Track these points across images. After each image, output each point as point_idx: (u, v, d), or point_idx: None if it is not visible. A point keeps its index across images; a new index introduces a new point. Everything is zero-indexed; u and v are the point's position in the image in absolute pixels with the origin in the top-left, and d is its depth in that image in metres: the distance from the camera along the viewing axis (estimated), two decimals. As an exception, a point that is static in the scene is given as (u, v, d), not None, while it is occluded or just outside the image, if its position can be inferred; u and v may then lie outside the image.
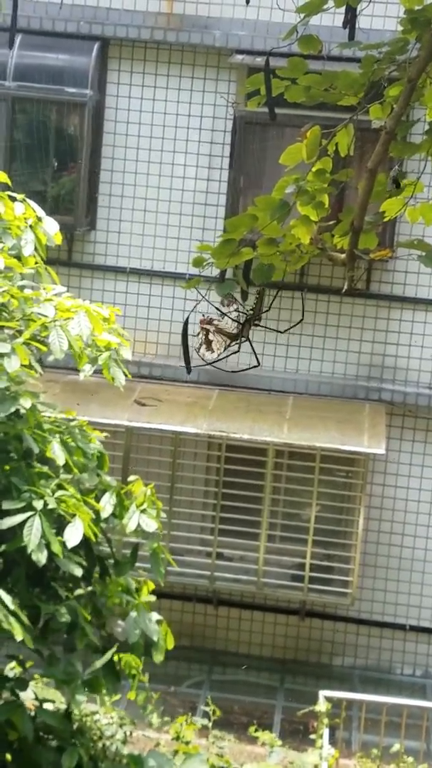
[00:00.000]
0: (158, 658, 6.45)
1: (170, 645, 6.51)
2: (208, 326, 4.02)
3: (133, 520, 6.37)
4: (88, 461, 6.59)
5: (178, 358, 9.12)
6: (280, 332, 4.70)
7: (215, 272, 4.26)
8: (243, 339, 4.01)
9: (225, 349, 4.04)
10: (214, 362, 4.23)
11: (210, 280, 4.20)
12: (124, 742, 7.12)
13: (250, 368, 4.78)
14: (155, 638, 6.30)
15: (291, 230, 4.21)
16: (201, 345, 4.06)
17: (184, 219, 9.69)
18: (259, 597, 9.65)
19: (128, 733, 7.24)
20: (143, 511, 6.43)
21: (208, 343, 4.06)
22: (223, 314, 4.05)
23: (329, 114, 4.71)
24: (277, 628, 9.79)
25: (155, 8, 9.51)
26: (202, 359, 4.15)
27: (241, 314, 4.13)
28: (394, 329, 9.52)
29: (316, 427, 9.02)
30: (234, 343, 4.02)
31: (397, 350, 9.53)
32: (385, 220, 4.42)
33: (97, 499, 6.38)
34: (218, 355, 4.08)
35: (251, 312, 4.05)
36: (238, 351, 4.10)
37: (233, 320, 4.03)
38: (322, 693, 7.39)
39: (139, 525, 6.40)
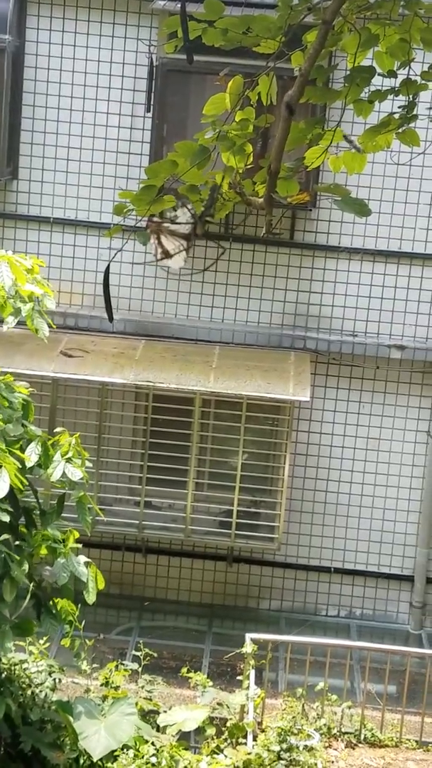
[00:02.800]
0: (90, 598, 6.53)
1: (101, 585, 6.58)
2: (158, 232, 3.91)
3: (58, 469, 6.39)
4: (13, 411, 6.58)
5: (104, 309, 9.09)
6: (199, 271, 4.63)
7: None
8: (197, 237, 3.92)
9: (184, 251, 3.93)
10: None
11: (133, 229, 4.19)
12: (53, 689, 7.20)
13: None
14: (84, 579, 6.37)
15: (212, 177, 4.21)
16: (158, 254, 3.96)
17: (108, 168, 9.60)
18: (187, 544, 9.78)
19: (57, 681, 7.32)
20: (68, 461, 6.44)
21: (165, 252, 3.97)
22: (171, 221, 3.91)
23: (252, 62, 4.70)
24: (205, 574, 9.94)
25: None
26: (165, 268, 4.04)
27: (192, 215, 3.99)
28: (318, 278, 9.61)
29: (242, 375, 9.10)
30: (190, 243, 3.92)
31: (321, 299, 9.63)
32: (308, 169, 4.45)
33: (23, 450, 6.38)
34: (181, 260, 3.96)
35: (203, 209, 3.94)
36: (190, 248, 3.93)
37: (186, 223, 3.89)
38: (249, 635, 7.54)
39: (64, 474, 6.43)
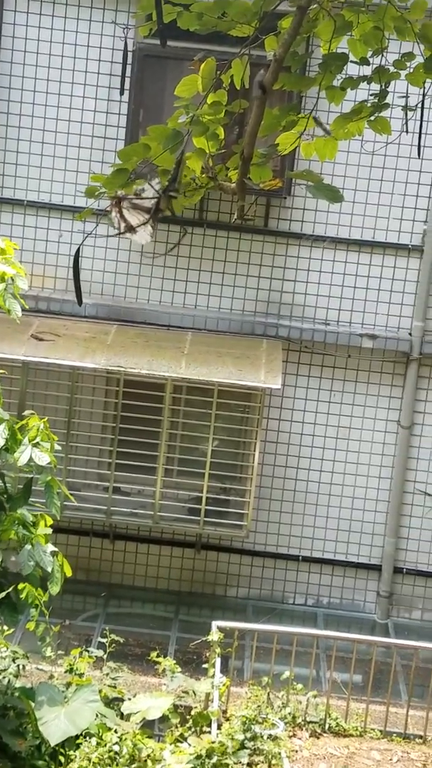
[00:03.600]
0: (54, 589, 6.50)
1: (68, 573, 6.56)
2: (119, 205, 3.85)
3: (25, 453, 6.37)
4: (-21, 394, 6.54)
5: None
6: (160, 255, 4.59)
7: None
8: (161, 212, 3.87)
9: (150, 225, 3.86)
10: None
11: (105, 213, 4.16)
12: (17, 675, 7.18)
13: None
14: (50, 569, 6.35)
15: (184, 161, 4.19)
16: (122, 228, 3.90)
17: (83, 152, 9.54)
18: (156, 531, 9.76)
19: (21, 667, 7.29)
20: (36, 445, 6.42)
21: (129, 226, 3.91)
22: (135, 195, 3.83)
23: (227, 48, 4.68)
24: (173, 561, 9.93)
25: None
26: (129, 239, 3.94)
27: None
28: (291, 266, 9.61)
29: (214, 362, 9.08)
30: (154, 217, 3.87)
31: (294, 287, 9.62)
32: (281, 154, 4.45)
33: (-11, 434, 6.34)
34: (147, 234, 3.89)
35: (166, 182, 3.88)
36: (155, 222, 3.85)
37: (150, 198, 3.82)
38: (215, 623, 7.54)
39: (31, 458, 6.40)
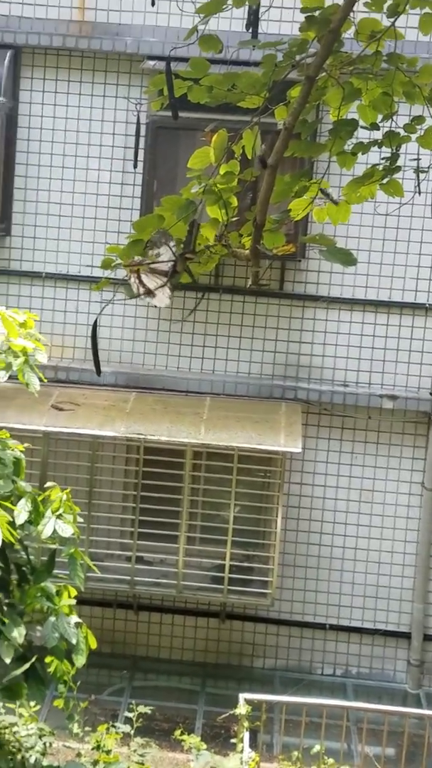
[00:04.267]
0: (80, 661, 6.39)
1: (93, 645, 6.46)
2: (137, 270, 3.89)
3: (48, 525, 6.32)
4: (4, 467, 6.52)
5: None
6: (179, 321, 4.62)
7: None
8: (178, 275, 3.89)
9: (168, 288, 3.90)
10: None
11: (122, 282, 4.19)
12: (44, 753, 7.03)
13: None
14: (74, 641, 6.25)
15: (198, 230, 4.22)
16: (139, 292, 3.94)
17: (99, 223, 9.66)
18: (180, 600, 9.65)
19: (48, 744, 7.15)
20: (59, 517, 6.37)
21: (147, 290, 3.95)
22: (151, 259, 3.88)
23: (238, 117, 4.74)
24: (197, 631, 9.79)
25: (67, 16, 9.48)
26: (148, 303, 3.97)
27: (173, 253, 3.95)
28: (308, 328, 9.62)
29: (233, 427, 9.05)
30: (172, 280, 3.90)
31: (312, 349, 9.62)
32: (294, 220, 4.47)
33: (12, 506, 6.31)
34: (166, 297, 3.93)
35: (182, 246, 3.92)
36: (173, 288, 3.89)
37: (167, 261, 3.86)
38: (242, 696, 7.39)
39: (55, 530, 6.35)
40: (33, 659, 6.29)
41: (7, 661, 5.85)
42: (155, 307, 4.12)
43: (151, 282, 3.99)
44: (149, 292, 3.97)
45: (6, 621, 5.85)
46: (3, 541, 5.79)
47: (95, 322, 4.51)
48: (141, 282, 3.98)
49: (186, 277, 3.98)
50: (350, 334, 9.59)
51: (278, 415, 9.28)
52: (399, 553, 9.68)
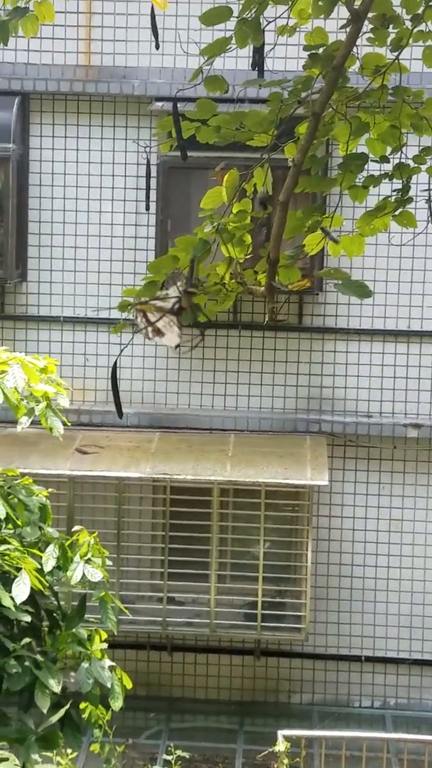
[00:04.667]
0: (116, 705, 6.33)
1: (128, 685, 6.41)
2: (143, 310, 3.91)
3: (77, 571, 6.30)
4: (30, 514, 6.52)
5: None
6: (177, 357, 4.61)
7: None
8: (184, 309, 3.91)
9: (176, 326, 3.92)
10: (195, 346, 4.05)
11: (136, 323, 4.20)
12: (83, 799, 6.98)
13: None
14: (109, 684, 6.21)
15: (214, 269, 4.24)
16: (148, 333, 3.95)
17: (115, 265, 9.71)
18: (213, 639, 9.58)
19: (87, 790, 7.09)
20: (88, 561, 6.36)
21: (156, 329, 3.97)
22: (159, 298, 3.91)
23: (248, 155, 4.78)
24: (233, 669, 9.71)
25: (73, 61, 9.59)
26: (158, 342, 3.99)
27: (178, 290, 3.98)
28: (329, 360, 9.61)
29: (259, 462, 9.03)
30: (176, 315, 3.92)
31: (334, 381, 9.61)
32: (309, 255, 4.48)
33: (40, 552, 6.30)
34: (176, 336, 3.94)
35: (185, 282, 3.95)
36: (181, 326, 3.92)
37: (173, 297, 3.89)
38: (281, 732, 7.32)
39: (84, 575, 6.34)
40: (67, 706, 6.25)
41: (44, 710, 5.82)
42: (165, 346, 4.13)
43: (159, 321, 4.01)
44: (158, 332, 3.99)
45: (41, 667, 5.82)
46: (32, 588, 5.78)
47: (115, 364, 4.52)
48: (149, 322, 3.99)
49: (200, 315, 4.00)
50: (371, 364, 9.57)
51: (303, 449, 9.25)
52: (431, 582, 9.58)
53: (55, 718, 5.99)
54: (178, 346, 4.02)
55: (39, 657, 5.89)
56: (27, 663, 5.79)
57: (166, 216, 9.41)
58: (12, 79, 9.58)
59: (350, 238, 4.46)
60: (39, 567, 6.01)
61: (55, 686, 5.81)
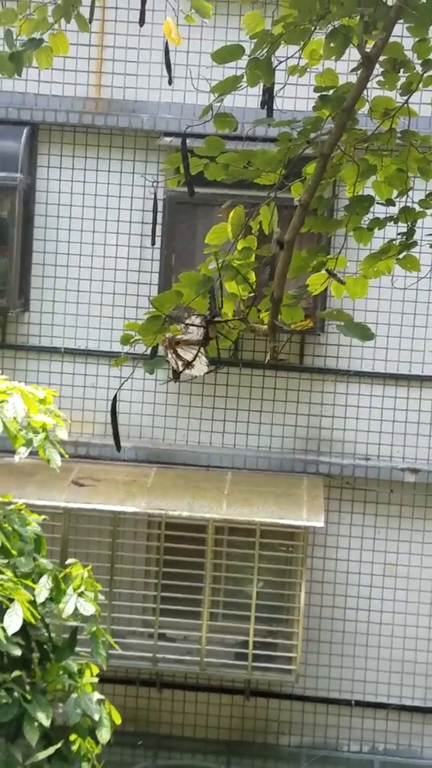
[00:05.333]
0: (104, 737, 6.27)
1: (117, 721, 6.34)
2: (173, 346, 3.97)
3: (70, 603, 6.26)
4: (24, 545, 6.49)
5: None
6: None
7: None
8: (211, 339, 3.97)
9: (203, 356, 3.98)
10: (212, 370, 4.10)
11: (141, 357, 4.21)
12: None
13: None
14: (97, 717, 6.15)
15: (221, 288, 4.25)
16: (179, 366, 4.01)
17: (118, 298, 9.74)
18: (203, 677, 9.49)
19: None
20: (80, 594, 6.32)
21: (186, 362, 4.02)
22: (186, 325, 3.98)
23: (255, 192, 4.80)
24: (222, 708, 9.61)
25: (83, 93, 9.66)
26: (188, 375, 4.05)
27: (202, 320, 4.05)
28: (328, 401, 9.60)
29: (255, 501, 8.99)
30: (204, 345, 3.98)
31: (333, 422, 9.59)
32: (313, 294, 4.49)
33: (34, 583, 6.27)
34: (204, 366, 4.00)
35: (208, 312, 4.00)
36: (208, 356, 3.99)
37: (198, 326, 3.95)
38: (269, 774, 7.24)
39: (76, 608, 6.29)
40: (59, 745, 6.19)
41: (33, 744, 5.75)
42: (195, 377, 4.18)
43: (187, 354, 4.06)
44: (188, 364, 4.04)
45: (30, 700, 5.77)
46: (24, 619, 5.74)
47: (115, 397, 4.52)
48: (178, 356, 4.04)
49: (213, 350, 4.04)
50: (371, 407, 9.56)
51: (300, 489, 9.22)
52: (424, 628, 9.51)
53: (44, 755, 5.93)
54: (177, 377, 4.06)
55: (28, 689, 5.84)
56: (16, 694, 5.74)
57: (170, 251, 9.45)
58: (22, 109, 9.64)
59: (354, 280, 4.48)
60: (32, 599, 5.98)
61: (45, 720, 5.75)
